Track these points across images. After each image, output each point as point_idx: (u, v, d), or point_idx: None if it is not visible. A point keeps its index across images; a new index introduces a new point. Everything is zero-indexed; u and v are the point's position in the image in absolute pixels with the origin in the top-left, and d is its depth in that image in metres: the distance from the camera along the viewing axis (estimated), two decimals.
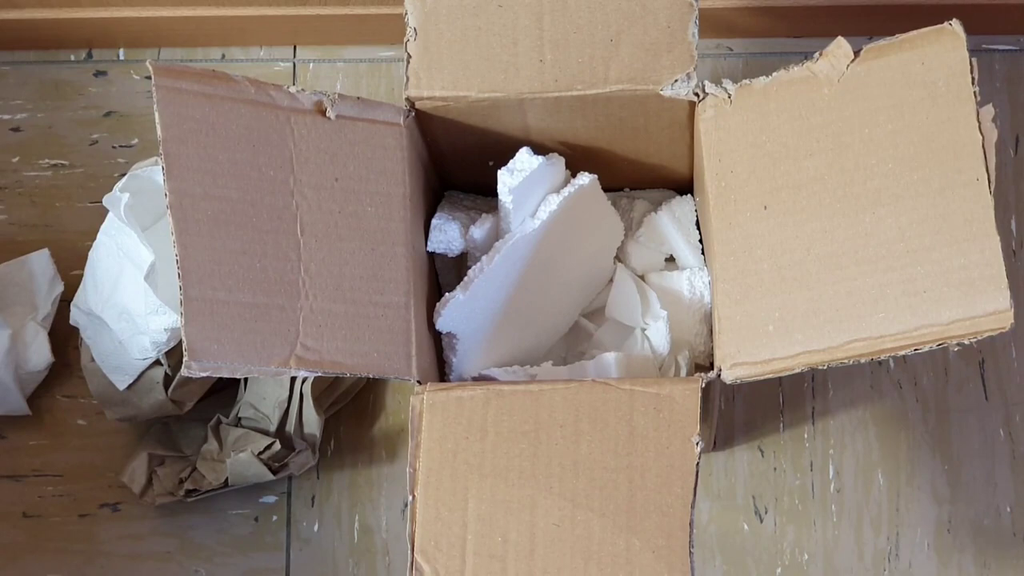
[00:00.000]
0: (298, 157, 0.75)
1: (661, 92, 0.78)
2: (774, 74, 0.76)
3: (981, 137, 0.70)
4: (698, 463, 0.69)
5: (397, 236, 0.78)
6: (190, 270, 0.71)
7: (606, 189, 0.87)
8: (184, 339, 0.70)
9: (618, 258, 0.90)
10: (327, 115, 0.77)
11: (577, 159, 0.86)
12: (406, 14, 0.79)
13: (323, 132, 0.77)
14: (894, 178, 0.71)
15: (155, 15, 1.05)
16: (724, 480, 1.01)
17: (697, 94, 0.78)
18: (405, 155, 0.79)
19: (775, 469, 1.01)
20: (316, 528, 1.01)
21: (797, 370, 0.71)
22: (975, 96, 0.70)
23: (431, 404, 0.73)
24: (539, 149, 0.83)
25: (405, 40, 0.79)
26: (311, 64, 1.09)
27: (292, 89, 0.76)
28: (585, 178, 0.84)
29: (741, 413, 1.02)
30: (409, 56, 0.79)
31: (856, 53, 0.74)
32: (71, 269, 1.05)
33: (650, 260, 0.89)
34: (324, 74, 1.09)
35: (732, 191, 0.75)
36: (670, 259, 0.91)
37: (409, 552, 0.69)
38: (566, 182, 0.84)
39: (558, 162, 0.84)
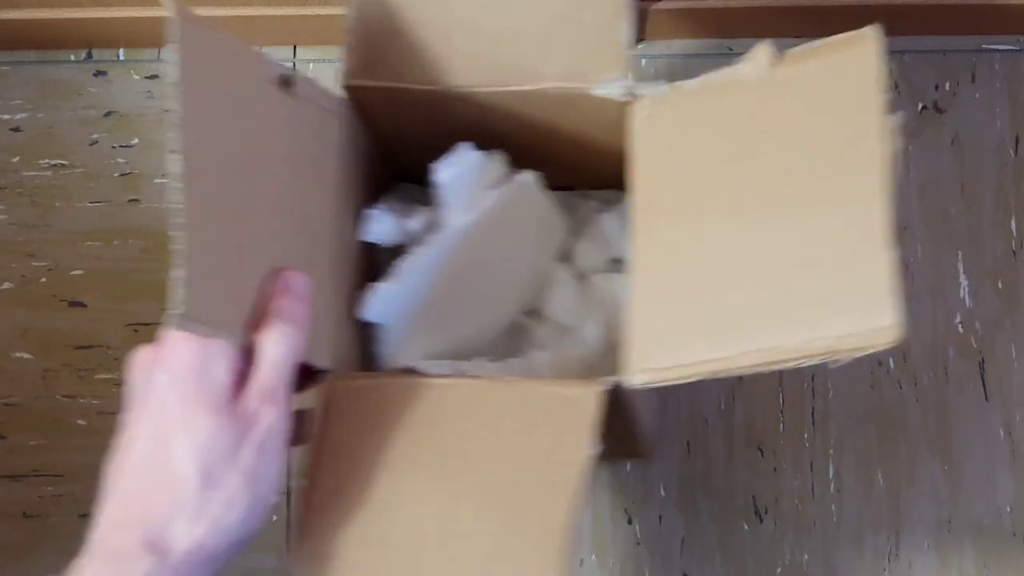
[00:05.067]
0: (256, 130, 0.74)
1: (594, 92, 0.78)
2: (703, 76, 0.75)
3: (887, 148, 0.68)
4: (588, 465, 0.69)
5: (326, 223, 0.78)
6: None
7: (557, 188, 0.87)
8: None
9: (563, 257, 0.90)
10: (288, 91, 0.76)
11: (520, 157, 0.85)
12: (346, 6, 0.79)
13: (280, 107, 0.76)
14: (802, 188, 0.70)
15: (155, 15, 1.05)
16: (724, 480, 1.01)
17: (630, 94, 0.77)
18: (343, 143, 0.79)
19: (775, 469, 1.01)
20: None
21: (695, 378, 0.70)
22: (886, 104, 0.69)
23: (334, 391, 0.73)
24: (480, 145, 0.83)
25: (344, 30, 0.79)
26: (311, 64, 1.09)
27: (266, 56, 0.75)
28: (525, 175, 0.84)
29: (741, 413, 1.02)
30: (349, 47, 0.79)
31: (780, 57, 0.73)
32: (71, 269, 1.05)
33: (594, 261, 0.89)
34: (324, 74, 1.08)
35: (654, 193, 0.75)
36: (618, 260, 0.90)
37: (292, 536, 0.70)
38: (506, 179, 0.84)
39: (497, 158, 0.84)
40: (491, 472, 0.70)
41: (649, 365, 0.71)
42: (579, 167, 0.88)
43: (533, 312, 0.90)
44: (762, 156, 0.72)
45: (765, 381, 1.02)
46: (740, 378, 1.02)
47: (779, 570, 1.00)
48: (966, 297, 1.03)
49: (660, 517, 1.01)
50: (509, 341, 0.89)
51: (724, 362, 0.69)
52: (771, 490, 1.01)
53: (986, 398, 1.02)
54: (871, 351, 0.65)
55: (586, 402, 0.70)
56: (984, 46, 1.08)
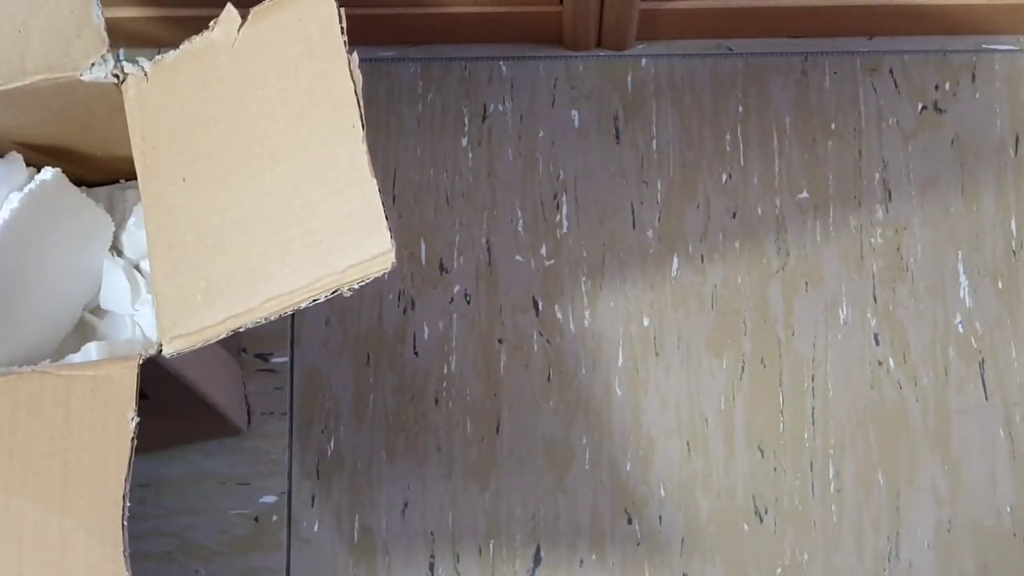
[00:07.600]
0: None
1: (82, 77, 0.78)
2: (182, 46, 0.77)
3: (353, 84, 0.71)
4: (133, 438, 0.70)
5: None
6: None
7: (96, 183, 0.87)
8: None
9: (116, 248, 0.90)
10: None
11: (43, 157, 0.86)
12: None
13: None
14: (286, 135, 0.73)
15: (155, 15, 1.05)
16: (724, 480, 1.01)
17: (117, 75, 0.78)
18: None
19: (775, 469, 1.01)
20: (316, 528, 1.01)
21: (224, 335, 0.72)
22: (345, 45, 0.72)
23: None
24: None
25: None
26: None
27: None
28: (48, 173, 0.84)
29: (741, 413, 1.02)
30: None
31: (245, 17, 0.75)
32: None
33: (140, 248, 0.90)
34: None
35: (156, 167, 0.76)
36: None
37: None
38: (30, 179, 0.84)
39: (15, 160, 0.84)
40: (38, 462, 0.71)
41: (177, 332, 0.73)
42: (103, 158, 0.89)
43: (97, 308, 0.91)
44: (246, 111, 0.74)
45: (765, 381, 1.02)
46: (740, 378, 1.02)
47: (779, 570, 1.00)
48: (966, 297, 1.03)
49: (660, 517, 1.01)
50: (77, 340, 0.90)
51: (248, 314, 0.71)
52: (771, 490, 1.01)
53: (986, 398, 1.02)
54: (372, 278, 0.69)
55: (123, 378, 0.71)
56: (984, 46, 1.08)
